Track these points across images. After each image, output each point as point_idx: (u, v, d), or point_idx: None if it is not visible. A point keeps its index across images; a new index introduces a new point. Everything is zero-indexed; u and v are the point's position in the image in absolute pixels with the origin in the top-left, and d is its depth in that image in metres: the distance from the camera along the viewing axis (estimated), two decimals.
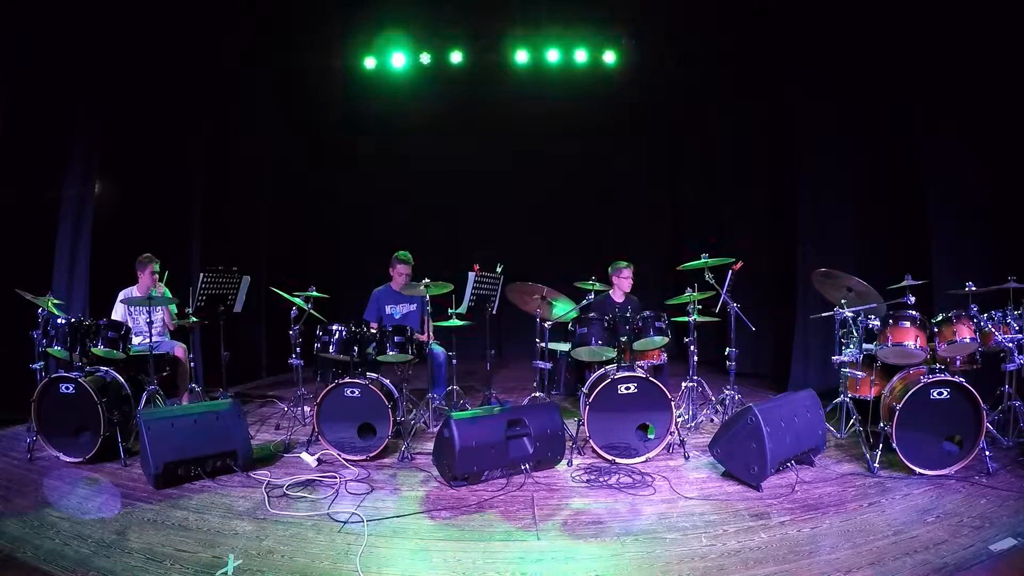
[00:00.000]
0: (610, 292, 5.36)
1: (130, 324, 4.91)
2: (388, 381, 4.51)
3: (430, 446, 4.05)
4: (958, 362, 4.24)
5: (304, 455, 4.16)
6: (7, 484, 3.68)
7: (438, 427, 3.86)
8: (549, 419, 3.95)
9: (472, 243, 7.75)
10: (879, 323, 4.17)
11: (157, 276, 5.05)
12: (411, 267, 5.39)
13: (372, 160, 8.40)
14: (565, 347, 5.08)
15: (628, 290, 5.41)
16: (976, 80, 5.19)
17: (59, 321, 4.20)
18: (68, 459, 4.02)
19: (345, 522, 3.20)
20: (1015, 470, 3.73)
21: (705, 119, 7.74)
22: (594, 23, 7.26)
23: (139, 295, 4.94)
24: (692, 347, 4.79)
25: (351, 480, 3.80)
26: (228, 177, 6.82)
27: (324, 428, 4.20)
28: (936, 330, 3.94)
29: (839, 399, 4.53)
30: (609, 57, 7.40)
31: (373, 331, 4.48)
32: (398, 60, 7.34)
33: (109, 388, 4.19)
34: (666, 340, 4.56)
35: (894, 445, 3.69)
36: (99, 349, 4.29)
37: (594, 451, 4.13)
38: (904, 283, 4.29)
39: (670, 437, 4.17)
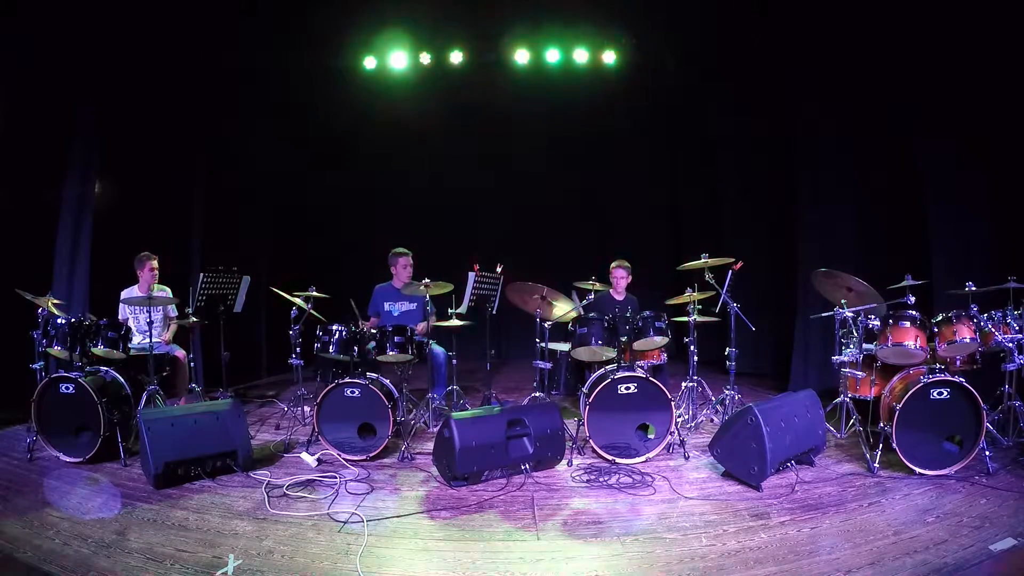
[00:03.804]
0: (610, 291, 5.37)
1: (132, 324, 4.92)
2: (388, 381, 4.51)
3: (430, 446, 4.06)
4: (958, 362, 4.24)
5: (304, 455, 4.16)
6: (7, 484, 3.68)
7: (438, 427, 3.86)
8: (549, 419, 3.95)
9: (472, 243, 7.75)
10: (879, 323, 4.18)
11: (156, 272, 5.06)
12: (410, 258, 5.43)
13: (372, 160, 8.39)
14: (565, 347, 5.09)
15: (621, 289, 5.41)
16: (976, 80, 5.19)
17: (59, 321, 4.20)
18: (68, 459, 4.02)
19: (345, 522, 3.20)
20: (1015, 470, 3.73)
21: (705, 119, 7.73)
22: (594, 23, 7.24)
23: (140, 294, 4.94)
24: (692, 347, 4.79)
25: (351, 480, 3.80)
26: (228, 177, 6.82)
27: (324, 428, 4.20)
28: (936, 330, 3.95)
29: (839, 399, 4.53)
30: (609, 57, 7.40)
31: (373, 330, 4.49)
32: (398, 60, 7.33)
33: (109, 388, 4.19)
34: (666, 340, 4.56)
35: (894, 445, 3.69)
36: (99, 349, 4.30)
37: (594, 451, 4.13)
38: (904, 283, 4.30)
39: (670, 437, 4.17)
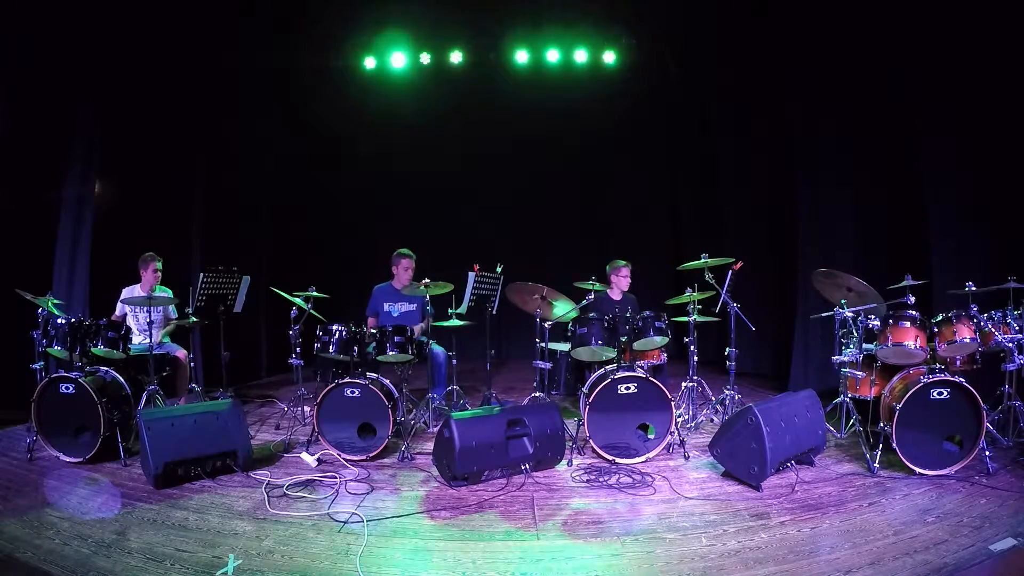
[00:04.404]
0: (608, 291, 5.37)
1: (131, 323, 4.93)
2: (388, 381, 4.51)
3: (430, 446, 4.06)
4: (958, 362, 4.24)
5: (304, 455, 4.16)
6: (7, 484, 3.68)
7: (438, 427, 3.87)
8: (549, 419, 3.95)
9: (472, 243, 7.76)
10: (879, 323, 4.17)
11: (160, 274, 5.07)
12: (413, 260, 5.42)
13: (372, 160, 8.40)
14: (565, 347, 5.09)
15: (626, 289, 5.42)
16: (976, 80, 5.19)
17: (59, 321, 4.20)
18: (68, 459, 4.02)
19: (345, 522, 3.20)
20: (1015, 470, 3.73)
21: (705, 119, 7.73)
22: (594, 23, 7.25)
23: (141, 294, 4.95)
24: (692, 347, 4.79)
25: (351, 480, 3.80)
26: (228, 177, 6.82)
27: (324, 428, 4.20)
28: (936, 330, 3.95)
29: (839, 399, 4.53)
30: (609, 57, 7.40)
31: (373, 330, 4.49)
32: (398, 60, 7.33)
33: (109, 388, 4.19)
34: (666, 340, 4.56)
35: (894, 445, 3.69)
36: (99, 349, 4.30)
37: (594, 451, 4.13)
38: (904, 283, 4.30)
39: (670, 437, 4.17)
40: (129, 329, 4.51)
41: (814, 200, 6.14)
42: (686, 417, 4.90)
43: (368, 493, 3.62)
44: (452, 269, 4.99)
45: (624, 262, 5.40)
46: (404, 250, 5.47)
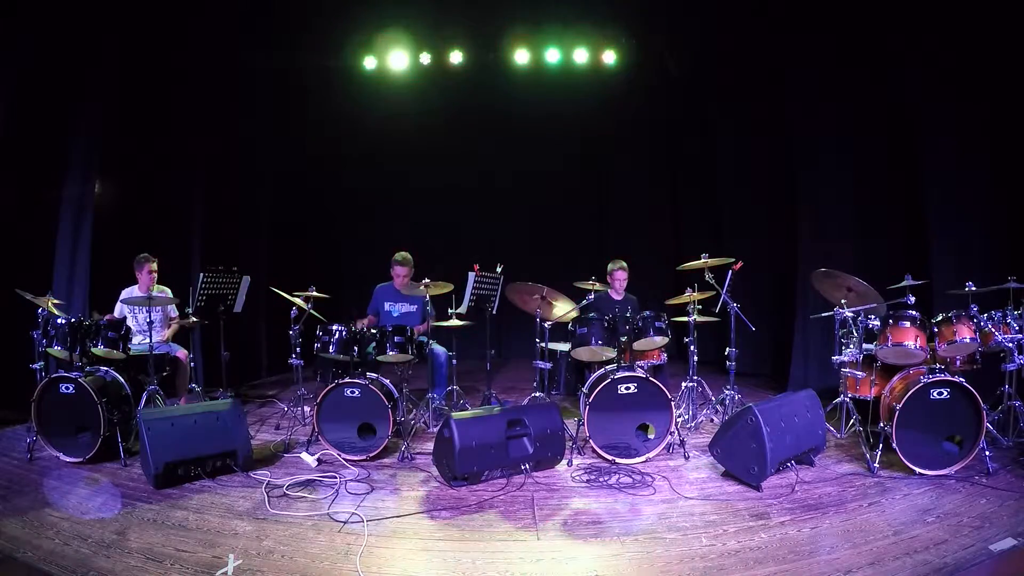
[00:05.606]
0: (609, 291, 5.37)
1: (131, 323, 4.92)
2: (388, 381, 4.51)
3: (430, 446, 4.06)
4: (958, 362, 4.24)
5: (304, 455, 4.16)
6: (7, 484, 3.68)
7: (438, 427, 3.86)
8: (549, 419, 3.95)
9: (472, 243, 7.75)
10: (879, 323, 4.18)
11: (155, 274, 5.06)
12: (409, 268, 5.38)
13: (372, 160, 8.39)
14: (565, 347, 5.09)
15: (621, 289, 5.41)
16: (976, 80, 5.19)
17: (59, 321, 4.20)
18: (68, 459, 4.02)
19: (345, 522, 3.20)
20: (1015, 470, 3.73)
21: (705, 119, 7.73)
22: (594, 23, 7.24)
23: (140, 294, 4.94)
24: (692, 347, 4.79)
25: (351, 480, 3.80)
26: (228, 177, 6.82)
27: (324, 428, 4.20)
28: (936, 330, 3.95)
29: (839, 399, 4.53)
30: (609, 57, 7.39)
31: (373, 331, 4.49)
32: (398, 60, 7.31)
33: (109, 388, 4.19)
34: (666, 340, 4.56)
35: (894, 445, 3.69)
36: (99, 349, 4.30)
37: (594, 451, 4.13)
38: (904, 283, 4.30)
39: (670, 437, 4.17)
40: (129, 329, 4.51)
41: (814, 200, 6.14)
42: (686, 417, 4.90)
43: (368, 493, 3.62)
44: (452, 269, 4.99)
45: (619, 264, 5.36)
46: (399, 257, 5.37)
